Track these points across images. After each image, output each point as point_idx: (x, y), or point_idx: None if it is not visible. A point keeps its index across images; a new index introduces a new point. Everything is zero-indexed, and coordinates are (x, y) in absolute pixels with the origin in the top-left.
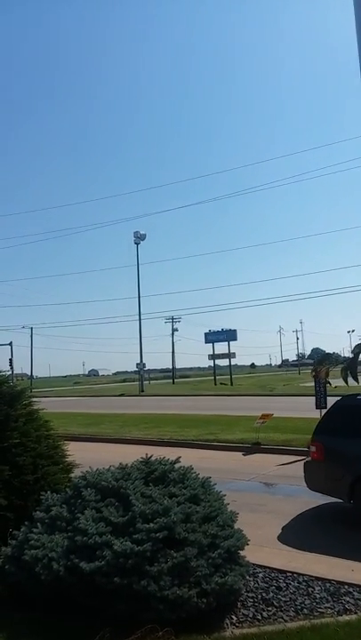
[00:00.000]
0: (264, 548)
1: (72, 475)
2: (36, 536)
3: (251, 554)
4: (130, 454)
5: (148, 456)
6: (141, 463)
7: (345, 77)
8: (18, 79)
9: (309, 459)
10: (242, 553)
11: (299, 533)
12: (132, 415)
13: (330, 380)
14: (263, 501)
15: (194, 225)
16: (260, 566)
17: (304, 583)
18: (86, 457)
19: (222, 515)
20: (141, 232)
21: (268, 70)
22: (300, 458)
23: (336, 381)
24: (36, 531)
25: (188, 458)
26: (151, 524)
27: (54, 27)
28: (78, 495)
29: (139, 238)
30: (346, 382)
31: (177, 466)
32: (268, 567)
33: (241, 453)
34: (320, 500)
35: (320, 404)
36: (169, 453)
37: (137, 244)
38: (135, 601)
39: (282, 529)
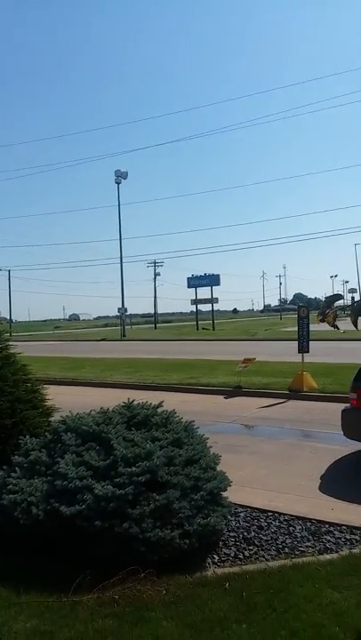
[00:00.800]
0: (245, 488)
1: (52, 419)
2: (14, 480)
3: (233, 494)
4: (111, 398)
5: (130, 400)
6: (123, 407)
7: None
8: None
9: (348, 406)
10: (224, 494)
11: (279, 474)
12: (113, 360)
13: (338, 324)
14: (245, 443)
15: (176, 164)
16: (242, 506)
17: (285, 522)
18: (67, 401)
19: (205, 457)
20: (123, 170)
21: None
22: (280, 400)
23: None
24: (14, 475)
25: (171, 401)
26: (133, 468)
27: None
28: (58, 440)
29: (120, 177)
30: (356, 326)
31: (160, 410)
32: (250, 507)
33: (223, 397)
34: (302, 440)
35: (302, 348)
36: (151, 397)
37: (118, 183)
38: (117, 543)
39: (264, 470)
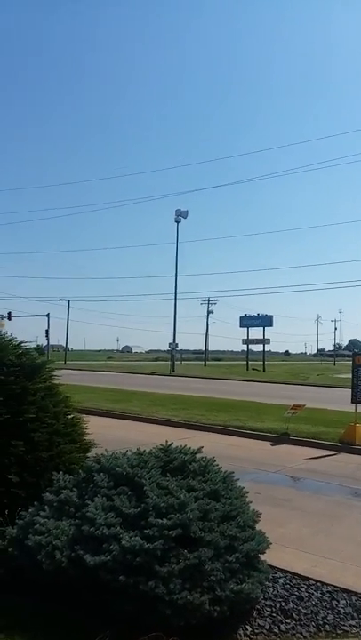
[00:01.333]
0: (286, 549)
1: (89, 454)
2: (42, 520)
3: (272, 554)
4: (154, 435)
5: (168, 443)
6: (160, 450)
7: None
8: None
9: None
10: (262, 557)
11: (325, 535)
12: (160, 395)
13: None
14: (289, 496)
15: (233, 205)
16: (281, 570)
17: (328, 594)
18: (110, 434)
19: (243, 514)
20: (183, 209)
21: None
22: (329, 453)
23: None
24: (42, 514)
25: (214, 444)
26: (165, 520)
27: None
28: (90, 479)
29: (180, 216)
30: None
31: (198, 456)
32: (290, 572)
33: (269, 443)
34: (352, 499)
35: (357, 398)
36: (195, 437)
37: (178, 222)
38: (141, 603)
39: (307, 528)
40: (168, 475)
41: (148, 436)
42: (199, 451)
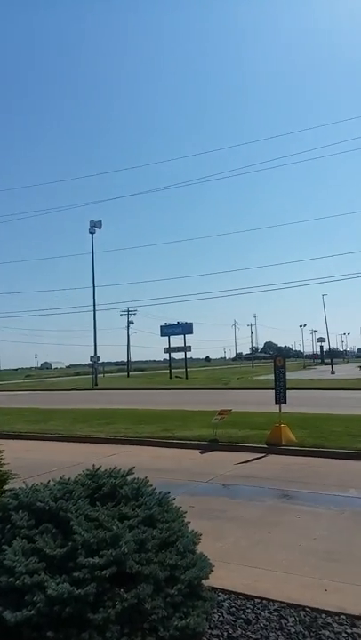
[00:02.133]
0: (227, 565)
1: (7, 487)
2: None
3: (212, 573)
4: (80, 454)
5: (96, 467)
6: (87, 477)
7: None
8: None
9: None
10: (205, 581)
11: (263, 545)
12: (83, 410)
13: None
14: (223, 506)
15: (149, 213)
16: (225, 591)
17: (275, 613)
18: (30, 458)
19: (183, 538)
20: (96, 220)
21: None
22: (258, 455)
23: (302, 373)
24: None
25: (143, 457)
26: (96, 558)
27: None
28: (7, 519)
29: (94, 227)
30: None
31: (130, 478)
32: (234, 592)
33: (198, 451)
34: (284, 502)
35: (280, 400)
36: (122, 452)
37: (92, 232)
38: None
39: (245, 540)
40: (98, 503)
41: (73, 456)
42: (130, 472)
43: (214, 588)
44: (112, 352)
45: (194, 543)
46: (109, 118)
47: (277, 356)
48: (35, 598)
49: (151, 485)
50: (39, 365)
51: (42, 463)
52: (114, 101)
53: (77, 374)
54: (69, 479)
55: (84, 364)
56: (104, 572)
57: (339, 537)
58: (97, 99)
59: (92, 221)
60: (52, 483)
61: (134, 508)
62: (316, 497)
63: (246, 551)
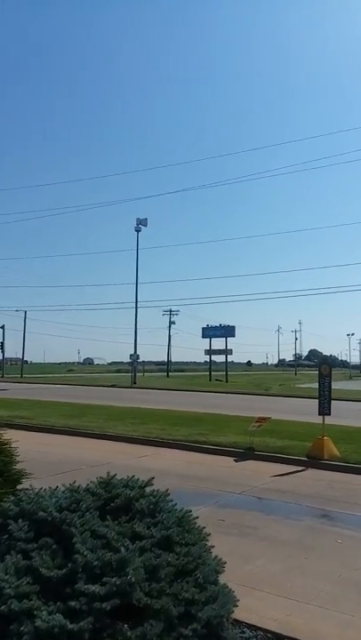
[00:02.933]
0: (255, 592)
1: (20, 486)
2: None
3: (238, 600)
4: (110, 453)
5: (111, 475)
6: (100, 485)
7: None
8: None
9: None
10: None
11: (298, 572)
12: (119, 408)
13: None
14: (256, 522)
15: (195, 212)
16: (251, 626)
17: None
18: (61, 454)
19: (203, 566)
20: (142, 218)
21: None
22: (297, 469)
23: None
24: None
25: (174, 461)
26: (97, 587)
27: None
28: (4, 528)
29: (140, 224)
30: None
31: (148, 490)
32: (261, 628)
33: (233, 459)
34: (325, 524)
35: (323, 410)
36: (153, 453)
37: (138, 231)
38: None
39: (278, 564)
40: (108, 517)
41: (104, 455)
42: (149, 483)
43: (238, 622)
44: (153, 351)
45: (216, 572)
46: (151, 118)
47: (323, 364)
48: (22, 629)
49: (172, 500)
50: (82, 361)
51: (71, 460)
52: (157, 102)
53: (118, 371)
54: (79, 486)
55: (125, 361)
56: (104, 605)
57: None
58: (141, 98)
59: (138, 219)
60: (60, 488)
61: (149, 526)
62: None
63: (279, 578)
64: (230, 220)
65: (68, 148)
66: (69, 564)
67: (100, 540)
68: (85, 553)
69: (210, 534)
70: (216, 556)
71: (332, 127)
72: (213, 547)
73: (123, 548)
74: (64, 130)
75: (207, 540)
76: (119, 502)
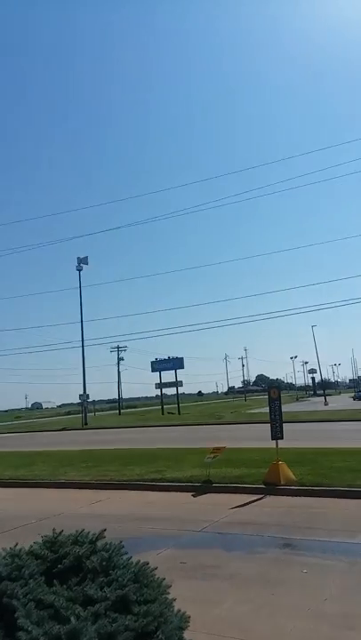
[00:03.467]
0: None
1: None
2: None
3: None
4: (60, 501)
5: (57, 533)
6: (45, 545)
7: None
8: None
9: None
10: None
11: (267, 610)
12: (70, 452)
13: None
14: (219, 561)
15: (139, 247)
16: None
17: None
18: (8, 508)
19: (165, 625)
20: (82, 257)
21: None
22: (255, 497)
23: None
24: None
25: (131, 503)
26: None
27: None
28: None
29: (81, 263)
30: None
31: (100, 544)
32: None
33: (191, 494)
34: (288, 553)
35: (276, 434)
36: (107, 497)
37: (79, 270)
38: None
39: (246, 604)
40: (56, 581)
41: (56, 505)
42: (101, 536)
43: None
44: (103, 389)
45: (180, 629)
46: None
47: (272, 388)
48: None
49: (126, 553)
50: (30, 406)
51: (19, 514)
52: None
53: (68, 413)
54: (21, 549)
55: (75, 402)
56: None
57: (354, 597)
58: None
59: (78, 258)
60: (1, 552)
61: (103, 585)
62: (324, 545)
63: (247, 620)
64: (173, 252)
65: (8, 188)
66: None
67: (47, 611)
68: (30, 628)
69: (171, 585)
70: (179, 611)
71: (265, 158)
72: (175, 599)
73: (73, 618)
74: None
75: (168, 594)
76: (67, 563)
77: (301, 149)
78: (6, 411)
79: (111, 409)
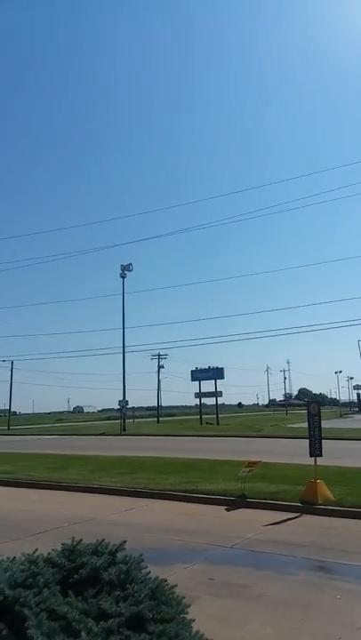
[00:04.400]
0: None
1: None
2: None
3: None
4: (91, 508)
5: (76, 541)
6: (62, 553)
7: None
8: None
9: None
10: None
11: (294, 635)
12: (107, 458)
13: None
14: (248, 580)
15: (182, 255)
16: None
17: None
18: (42, 511)
19: None
20: (125, 264)
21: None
22: (291, 515)
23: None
24: None
25: (161, 513)
26: None
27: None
28: None
29: (125, 271)
30: None
31: (120, 556)
32: None
33: (223, 508)
34: (322, 577)
35: (314, 451)
36: (139, 506)
37: (123, 277)
38: None
39: (273, 627)
40: (71, 592)
41: (87, 510)
42: (121, 547)
43: None
44: (143, 396)
45: None
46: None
47: (311, 403)
48: None
49: (146, 567)
50: (71, 409)
51: (52, 517)
52: (144, 153)
53: (108, 418)
54: (38, 556)
55: (115, 408)
56: None
57: None
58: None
59: (122, 265)
60: (19, 558)
61: (119, 600)
62: (360, 571)
63: None
64: (216, 260)
65: (54, 196)
66: None
67: (58, 622)
68: (39, 639)
69: (190, 605)
70: (197, 632)
71: (303, 170)
72: (194, 620)
73: (84, 632)
74: (46, 179)
75: (187, 613)
76: (84, 573)
77: (343, 160)
78: (49, 413)
79: (150, 416)
